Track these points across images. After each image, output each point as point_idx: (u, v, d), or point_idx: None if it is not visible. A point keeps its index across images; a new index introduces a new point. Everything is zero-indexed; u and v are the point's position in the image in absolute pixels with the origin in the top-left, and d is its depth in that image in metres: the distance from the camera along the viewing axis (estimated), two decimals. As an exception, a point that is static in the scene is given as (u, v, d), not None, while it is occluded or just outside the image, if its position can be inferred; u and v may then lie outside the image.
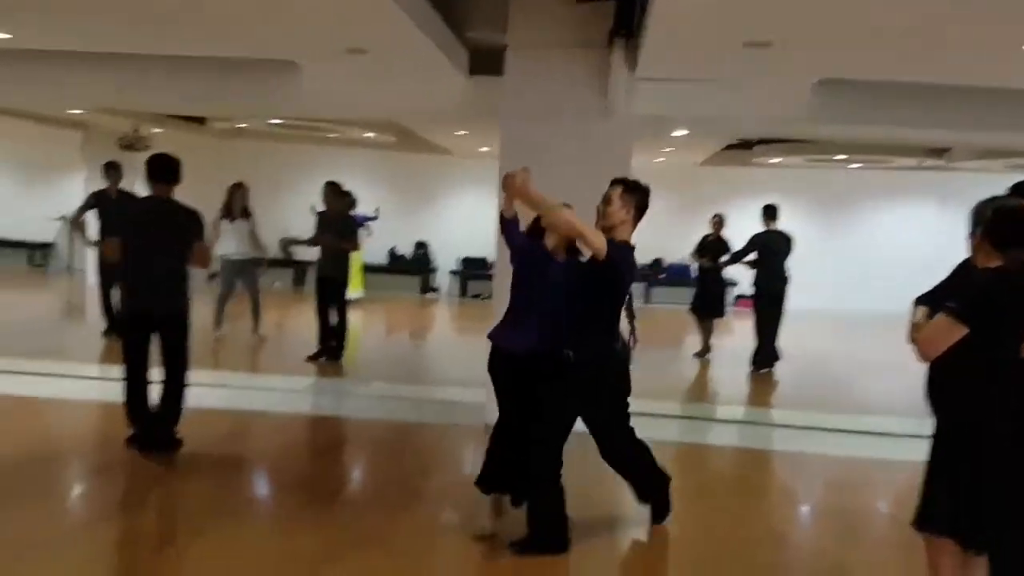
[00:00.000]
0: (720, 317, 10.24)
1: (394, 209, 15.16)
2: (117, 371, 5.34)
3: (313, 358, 8.53)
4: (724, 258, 9.82)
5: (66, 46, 6.97)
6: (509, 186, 4.05)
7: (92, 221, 8.74)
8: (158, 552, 4.06)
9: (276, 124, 12.32)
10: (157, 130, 13.09)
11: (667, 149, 12.69)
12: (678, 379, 9.26)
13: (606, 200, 3.97)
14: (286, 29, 5.73)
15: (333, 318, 8.60)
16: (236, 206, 9.07)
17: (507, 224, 4.33)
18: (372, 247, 13.74)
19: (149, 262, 5.11)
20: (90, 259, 13.47)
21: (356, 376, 8.52)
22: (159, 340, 5.17)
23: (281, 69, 7.27)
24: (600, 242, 3.76)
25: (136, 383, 5.19)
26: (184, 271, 5.23)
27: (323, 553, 3.99)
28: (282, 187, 14.91)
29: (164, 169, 5.17)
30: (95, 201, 8.81)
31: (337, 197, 8.69)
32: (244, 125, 13.15)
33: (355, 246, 8.75)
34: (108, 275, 8.66)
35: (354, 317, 9.73)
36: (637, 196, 3.99)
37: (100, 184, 9.21)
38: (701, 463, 6.34)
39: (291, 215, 12.21)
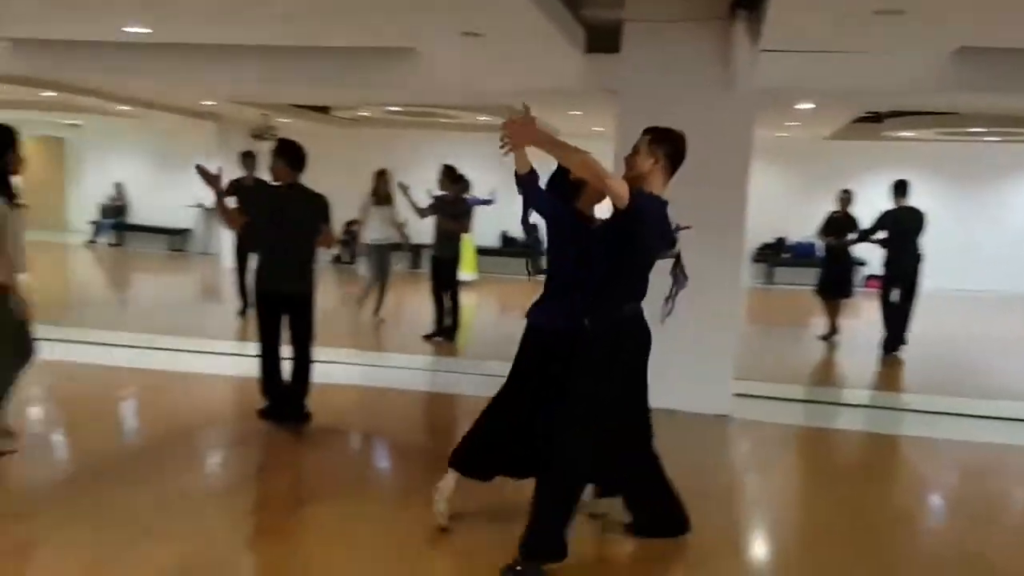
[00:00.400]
0: (847, 298, 9.84)
1: (507, 192, 15.22)
2: (251, 348, 5.63)
3: (429, 337, 8.78)
4: (852, 236, 9.43)
5: (201, 40, 7.35)
6: (513, 133, 3.49)
7: (230, 207, 9.19)
8: (289, 515, 4.28)
9: (394, 111, 12.61)
10: (284, 120, 13.64)
11: (791, 123, 12.25)
12: (803, 362, 8.98)
13: (633, 150, 3.59)
14: (405, 16, 5.86)
15: (448, 299, 8.81)
16: (380, 192, 9.38)
17: (526, 184, 3.67)
18: (485, 230, 13.91)
19: (281, 245, 5.35)
20: (226, 244, 14.26)
21: (470, 355, 8.68)
22: (288, 319, 5.41)
23: (400, 56, 7.43)
24: (621, 189, 3.33)
25: (270, 359, 5.45)
26: (312, 253, 5.45)
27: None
28: (399, 173, 15.27)
29: (292, 156, 5.38)
30: (232, 188, 9.27)
31: (452, 181, 8.85)
32: (365, 113, 13.53)
33: (466, 228, 8.88)
34: (244, 259, 9.23)
35: (468, 298, 9.89)
36: (666, 145, 3.55)
37: (236, 172, 9.69)
38: (827, 448, 6.16)
39: (406, 200, 12.50)
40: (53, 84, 10.20)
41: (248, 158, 9.68)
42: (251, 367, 5.64)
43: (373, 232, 9.39)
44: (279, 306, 5.39)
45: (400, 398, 6.68)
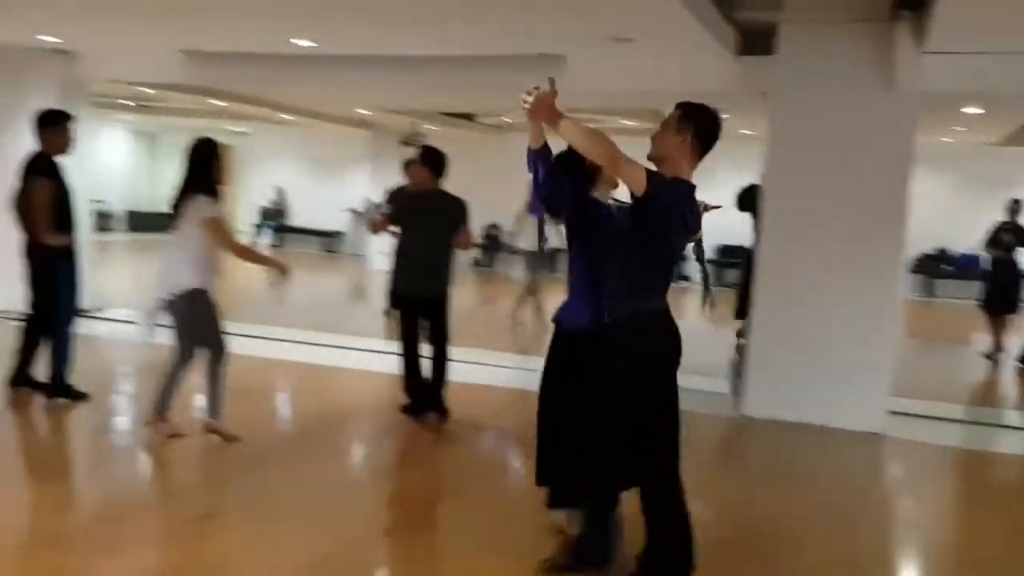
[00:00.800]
0: (1014, 314, 9.18)
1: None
2: (394, 346, 5.84)
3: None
4: (1021, 249, 8.79)
5: (359, 51, 7.71)
6: (532, 106, 3.13)
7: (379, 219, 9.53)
8: (429, 505, 4.45)
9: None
10: (432, 127, 14.07)
11: (957, 128, 11.54)
12: (964, 380, 8.43)
13: (661, 126, 3.21)
14: (556, 24, 5.94)
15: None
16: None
17: (534, 161, 3.35)
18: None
19: (422, 247, 5.53)
20: (373, 246, 14.85)
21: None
22: (425, 320, 5.59)
23: (547, 63, 7.51)
24: (638, 174, 2.97)
25: (410, 357, 5.66)
26: (449, 257, 5.60)
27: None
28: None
29: (435, 162, 5.56)
30: (394, 196, 9.61)
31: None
32: (509, 120, 13.77)
33: None
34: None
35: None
36: (698, 121, 3.14)
37: (386, 178, 10.07)
38: (987, 471, 5.78)
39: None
40: (225, 94, 10.95)
41: (410, 166, 9.93)
42: (394, 364, 5.86)
43: (529, 240, 9.41)
44: (416, 308, 5.58)
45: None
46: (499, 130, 15.26)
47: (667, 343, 3.24)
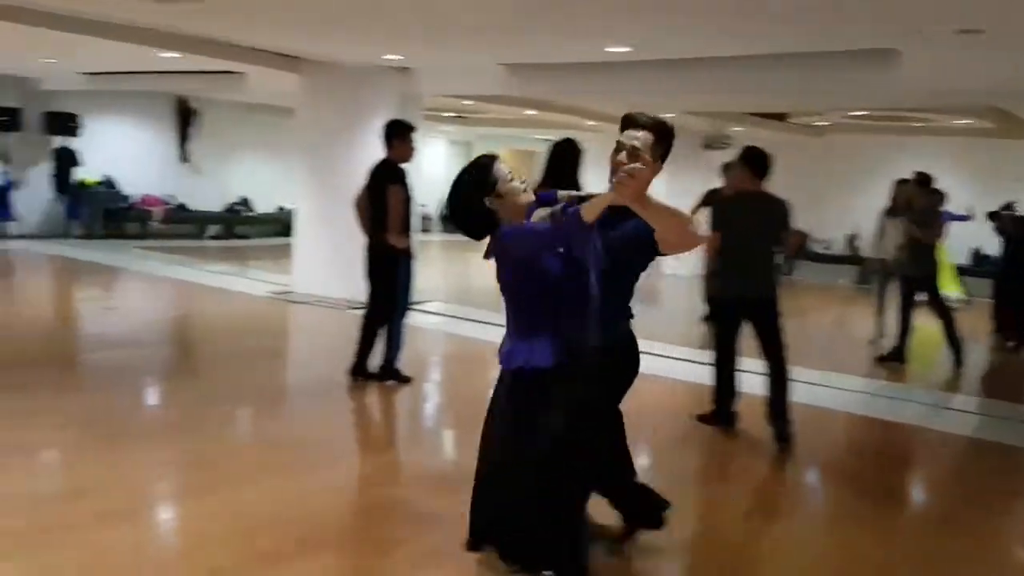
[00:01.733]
0: None
1: (981, 202, 13.29)
2: (701, 354, 5.72)
3: (884, 359, 8.13)
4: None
5: (674, 55, 7.69)
6: (640, 179, 2.61)
7: (704, 217, 9.24)
8: (740, 523, 4.28)
9: (859, 116, 11.91)
10: (738, 128, 13.68)
11: None
12: None
13: (630, 152, 2.93)
14: (894, 17, 5.49)
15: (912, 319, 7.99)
16: (901, 202, 8.49)
17: (585, 234, 2.81)
18: (956, 246, 12.42)
19: (739, 251, 5.35)
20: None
21: (925, 383, 7.88)
22: (752, 327, 5.38)
23: (875, 59, 6.98)
24: (699, 232, 2.97)
25: (726, 364, 5.50)
26: (772, 259, 5.39)
27: (888, 566, 3.81)
28: (860, 181, 14.47)
29: (757, 163, 5.36)
30: (709, 199, 9.42)
31: (924, 192, 8.05)
32: (822, 123, 13.03)
33: (929, 237, 7.93)
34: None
35: (962, 321, 8.74)
36: (665, 142, 3.08)
37: (684, 182, 9.93)
38: None
39: (861, 209, 11.75)
40: (536, 104, 11.47)
41: (729, 168, 9.65)
42: (691, 370, 5.72)
43: (887, 247, 8.53)
44: (737, 312, 5.41)
45: (841, 420, 6.34)
46: (815, 131, 14.46)
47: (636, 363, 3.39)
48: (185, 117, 16.03)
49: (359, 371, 6.16)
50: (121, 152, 15.27)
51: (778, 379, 5.30)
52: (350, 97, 9.58)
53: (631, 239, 2.98)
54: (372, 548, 3.65)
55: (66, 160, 14.43)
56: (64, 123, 14.18)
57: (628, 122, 3.09)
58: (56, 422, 4.96)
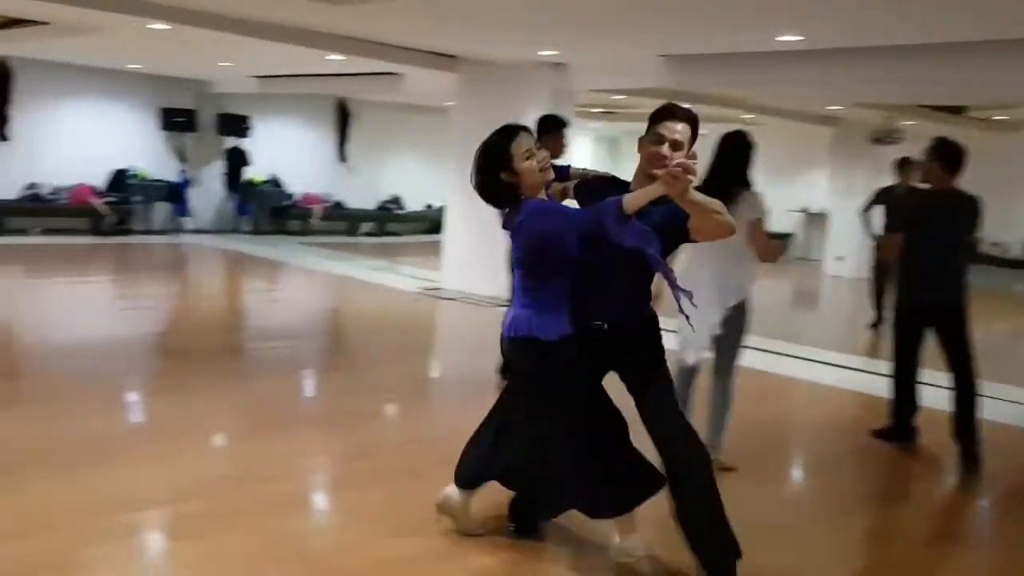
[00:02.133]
0: None
1: None
2: (861, 362, 5.31)
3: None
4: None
5: (848, 43, 7.21)
6: (684, 172, 2.65)
7: (877, 216, 8.70)
8: (921, 550, 3.92)
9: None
10: (909, 122, 12.79)
11: None
12: None
13: (673, 144, 3.01)
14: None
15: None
16: None
17: (625, 225, 2.85)
18: None
19: (929, 254, 4.93)
20: (828, 250, 14.04)
21: None
22: (937, 336, 4.97)
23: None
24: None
25: (906, 375, 5.10)
26: (963, 262, 4.95)
27: None
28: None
29: (950, 157, 4.92)
30: (882, 197, 8.86)
31: None
32: (1003, 116, 11.96)
33: None
34: (883, 270, 8.57)
35: None
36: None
37: (846, 178, 9.33)
38: None
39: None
40: (693, 96, 11.08)
41: (904, 165, 9.00)
42: (860, 380, 5.33)
43: None
44: (922, 320, 4.99)
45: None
46: (997, 126, 13.30)
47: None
48: (344, 118, 16.66)
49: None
50: (286, 152, 16.01)
51: (966, 393, 4.86)
52: (503, 94, 9.58)
53: (669, 225, 2.95)
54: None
55: (237, 160, 15.27)
56: (236, 124, 15.02)
57: (667, 114, 3.07)
58: (223, 410, 5.20)
